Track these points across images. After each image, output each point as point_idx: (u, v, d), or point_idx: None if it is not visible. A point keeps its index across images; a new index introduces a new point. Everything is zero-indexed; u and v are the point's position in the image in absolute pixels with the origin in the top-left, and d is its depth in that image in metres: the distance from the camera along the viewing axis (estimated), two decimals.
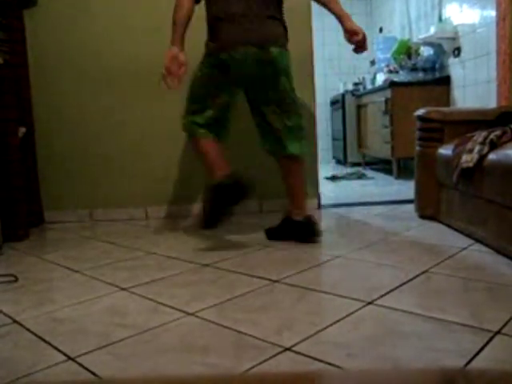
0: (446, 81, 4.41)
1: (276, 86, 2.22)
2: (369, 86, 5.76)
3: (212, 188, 2.17)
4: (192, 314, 1.48)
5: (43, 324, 1.46)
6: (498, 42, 3.42)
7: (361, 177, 4.81)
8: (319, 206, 3.20)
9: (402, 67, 4.86)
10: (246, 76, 2.22)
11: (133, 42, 3.10)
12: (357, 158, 5.85)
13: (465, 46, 4.05)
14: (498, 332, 1.24)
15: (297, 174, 2.33)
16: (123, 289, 1.76)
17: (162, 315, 1.49)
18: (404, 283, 1.65)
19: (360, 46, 2.21)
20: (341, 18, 2.18)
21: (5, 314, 1.56)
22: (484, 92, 3.75)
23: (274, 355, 1.19)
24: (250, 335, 1.31)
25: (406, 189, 3.62)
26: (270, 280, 1.77)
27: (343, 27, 2.18)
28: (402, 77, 4.78)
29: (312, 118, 3.16)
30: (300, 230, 2.31)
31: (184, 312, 1.50)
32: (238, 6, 2.15)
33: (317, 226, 2.32)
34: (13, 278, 1.91)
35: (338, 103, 6.09)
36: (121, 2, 3.10)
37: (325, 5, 2.20)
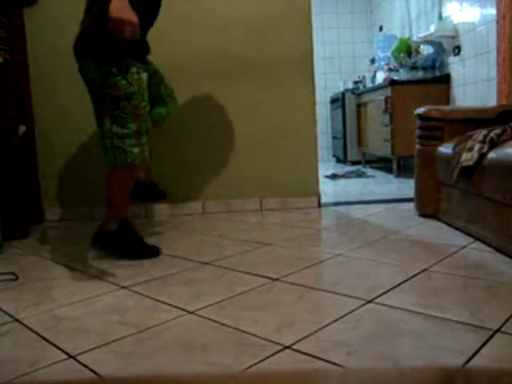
0: (445, 79, 4.41)
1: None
2: (369, 85, 5.76)
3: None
4: (192, 313, 1.48)
5: (43, 322, 1.47)
6: (498, 40, 3.42)
7: (361, 175, 4.81)
8: (319, 205, 3.20)
9: (401, 65, 4.86)
10: None
11: None
12: (357, 157, 5.85)
13: (465, 45, 4.05)
14: (498, 330, 1.24)
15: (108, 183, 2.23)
16: (123, 287, 1.76)
17: (162, 313, 1.49)
18: (404, 281, 1.66)
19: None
20: None
21: (5, 313, 1.56)
22: (484, 90, 3.75)
23: (274, 353, 1.19)
24: (250, 333, 1.31)
25: (406, 187, 3.62)
26: (269, 278, 1.77)
27: None
28: (402, 75, 4.77)
29: (312, 116, 3.16)
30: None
31: (184, 310, 1.50)
32: None
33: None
34: (13, 277, 1.91)
35: (337, 102, 6.09)
36: None
37: None
